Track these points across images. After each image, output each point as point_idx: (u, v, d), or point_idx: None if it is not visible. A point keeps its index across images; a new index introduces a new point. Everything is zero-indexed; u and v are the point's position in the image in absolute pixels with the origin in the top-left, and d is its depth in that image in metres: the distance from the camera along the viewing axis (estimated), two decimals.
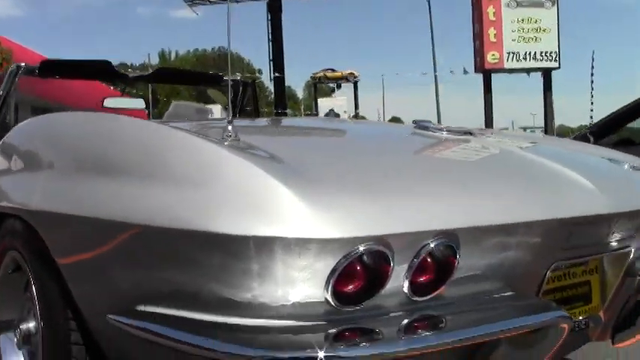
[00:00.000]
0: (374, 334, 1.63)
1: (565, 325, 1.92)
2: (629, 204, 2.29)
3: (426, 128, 2.73)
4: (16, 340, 2.54)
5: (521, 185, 2.13)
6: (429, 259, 1.74)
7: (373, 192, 1.74)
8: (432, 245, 1.71)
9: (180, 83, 6.43)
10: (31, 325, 2.44)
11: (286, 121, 3.42)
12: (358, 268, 1.63)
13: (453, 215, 1.78)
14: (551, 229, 2.02)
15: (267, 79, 28.83)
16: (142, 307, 1.79)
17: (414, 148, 2.52)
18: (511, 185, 2.11)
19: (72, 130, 2.39)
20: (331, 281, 1.60)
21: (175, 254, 1.70)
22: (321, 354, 1.50)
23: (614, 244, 2.35)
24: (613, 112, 5.91)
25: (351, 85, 36.79)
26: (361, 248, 1.60)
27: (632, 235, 2.40)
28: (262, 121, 3.70)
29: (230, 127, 1.90)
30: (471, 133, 2.68)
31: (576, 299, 2.33)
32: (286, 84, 24.52)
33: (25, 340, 2.46)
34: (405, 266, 1.70)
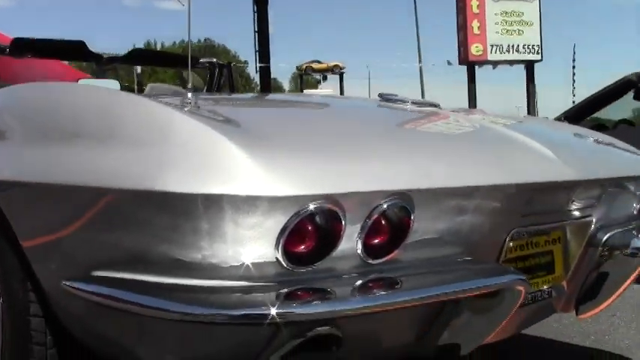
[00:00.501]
0: (327, 293, 1.63)
1: (521, 288, 1.92)
2: (589, 173, 2.29)
3: (391, 101, 2.73)
4: None
5: (480, 150, 2.13)
6: (382, 221, 1.73)
7: (325, 152, 1.73)
8: (384, 206, 1.70)
9: (155, 65, 6.41)
10: None
11: (255, 96, 3.40)
12: (309, 227, 1.62)
13: (406, 177, 1.77)
14: (509, 195, 2.02)
15: (253, 71, 28.79)
16: (96, 272, 1.77)
17: (374, 116, 2.52)
18: (469, 150, 2.11)
19: (25, 100, 2.36)
20: (282, 240, 1.59)
21: (127, 216, 1.69)
22: (273, 311, 1.51)
23: (574, 212, 2.36)
24: (587, 98, 5.98)
25: (337, 76, 36.82)
26: (311, 207, 1.59)
27: (592, 204, 2.40)
28: (230, 96, 3.69)
29: (190, 95, 1.89)
30: (436, 106, 2.68)
31: (539, 269, 2.34)
32: (272, 76, 24.44)
33: None
34: (358, 227, 1.69)
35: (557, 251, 2.41)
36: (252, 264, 1.61)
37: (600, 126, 5.99)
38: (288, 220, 1.58)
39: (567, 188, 2.22)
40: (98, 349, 2.00)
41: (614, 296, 2.62)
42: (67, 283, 1.83)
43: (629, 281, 2.59)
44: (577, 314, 2.62)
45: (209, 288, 1.60)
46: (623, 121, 6.17)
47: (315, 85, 38.46)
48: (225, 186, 1.54)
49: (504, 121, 2.77)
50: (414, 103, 2.67)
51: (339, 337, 1.73)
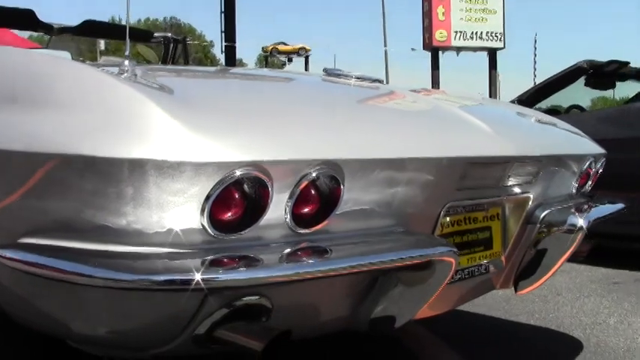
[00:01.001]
0: (253, 261, 1.62)
1: (452, 260, 1.93)
2: (525, 149, 2.31)
3: (335, 75, 2.73)
4: None
5: (415, 124, 2.14)
6: (312, 190, 1.72)
7: (255, 119, 1.72)
8: (313, 175, 1.69)
9: (109, 37, 6.30)
10: None
11: (201, 69, 3.35)
12: (235, 194, 1.60)
13: (336, 147, 1.76)
14: (442, 168, 2.02)
15: (219, 52, 28.61)
16: (23, 240, 1.74)
17: (313, 89, 2.51)
18: (403, 123, 2.11)
19: None
20: (207, 207, 1.57)
21: (53, 181, 1.66)
22: (197, 277, 1.49)
23: (512, 189, 2.38)
24: (540, 83, 6.06)
25: (303, 59, 36.69)
26: (237, 173, 1.57)
27: (530, 181, 2.42)
28: (176, 67, 3.65)
29: (127, 62, 1.87)
30: (380, 82, 2.68)
31: (477, 244, 2.36)
32: (238, 56, 24.29)
33: None
34: (286, 195, 1.68)
35: (496, 227, 2.43)
36: (178, 231, 1.59)
37: (553, 111, 6.08)
38: (213, 187, 1.56)
39: (503, 164, 2.23)
40: (25, 320, 1.97)
41: (551, 272, 2.65)
42: None
43: (565, 257, 2.63)
44: (516, 291, 2.65)
45: (134, 254, 1.58)
46: (574, 106, 6.26)
47: (281, 67, 38.32)
48: (150, 151, 1.52)
49: (452, 99, 2.78)
50: (357, 78, 2.66)
51: (269, 308, 1.73)
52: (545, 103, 6.31)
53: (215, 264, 1.57)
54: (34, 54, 2.10)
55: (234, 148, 1.58)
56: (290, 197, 1.69)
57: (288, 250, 1.69)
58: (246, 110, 1.79)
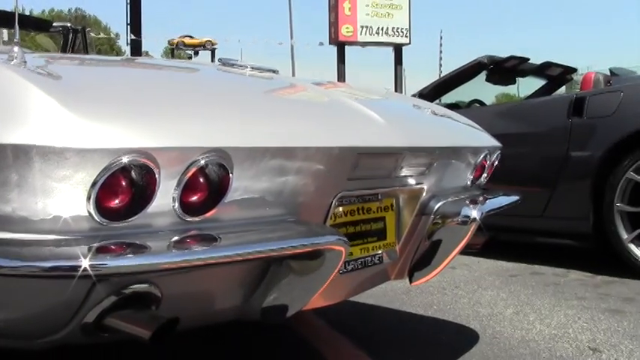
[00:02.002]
0: (141, 248, 1.60)
1: (342, 249, 1.94)
2: (417, 141, 2.34)
3: (230, 65, 2.71)
4: None
5: (306, 114, 2.14)
6: (200, 178, 1.71)
7: (142, 107, 1.70)
8: (201, 162, 1.68)
9: (5, 26, 6.16)
10: None
11: (96, 58, 3.28)
12: (122, 181, 1.58)
13: (224, 135, 1.75)
14: (333, 158, 2.03)
15: (125, 44, 28.25)
16: None
17: (205, 78, 2.49)
18: (294, 112, 2.11)
19: None
20: (93, 194, 1.55)
21: None
22: (85, 263, 1.47)
23: (405, 179, 2.41)
24: (441, 77, 6.16)
25: (209, 52, 36.51)
26: (124, 160, 1.55)
27: (423, 172, 2.45)
28: (71, 56, 3.58)
29: (16, 49, 1.82)
30: (274, 72, 2.67)
31: (370, 234, 2.39)
32: (144, 49, 24.02)
33: None
34: (174, 183, 1.67)
35: (390, 218, 2.45)
36: (64, 217, 1.56)
37: (454, 105, 6.18)
38: (99, 174, 1.54)
39: (395, 154, 2.25)
40: None
41: (445, 263, 2.70)
42: None
43: (459, 248, 2.68)
44: (410, 282, 2.68)
45: (20, 241, 1.55)
46: (475, 101, 6.38)
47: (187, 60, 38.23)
48: (34, 136, 1.49)
49: (353, 92, 2.79)
50: (253, 68, 2.65)
51: (158, 297, 1.72)
52: (450, 98, 6.41)
53: (103, 250, 1.55)
54: None
55: (121, 135, 1.55)
56: (178, 185, 1.68)
57: (176, 238, 1.67)
58: (135, 98, 1.77)
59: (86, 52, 5.31)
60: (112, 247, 1.57)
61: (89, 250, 1.52)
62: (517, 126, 5.32)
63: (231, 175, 1.75)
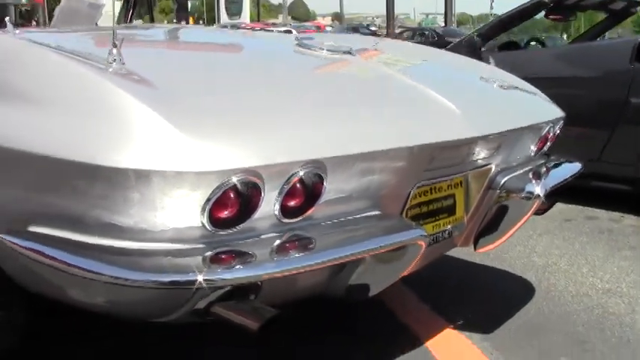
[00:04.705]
0: (248, 257, 1.80)
1: (422, 243, 2.12)
2: (490, 127, 2.47)
3: (307, 47, 2.86)
4: None
5: (387, 112, 2.27)
6: (298, 185, 1.90)
7: (245, 124, 1.87)
8: (300, 173, 1.87)
9: None
10: None
11: (170, 33, 3.39)
12: (232, 196, 1.77)
13: (321, 145, 1.93)
14: (414, 154, 2.19)
15: None
16: (33, 228, 1.90)
17: (289, 72, 2.61)
18: (377, 112, 2.25)
19: None
20: (206, 209, 1.75)
21: (59, 181, 1.82)
22: (199, 277, 1.67)
23: (475, 162, 2.55)
24: (500, 16, 6.15)
25: None
26: (234, 179, 1.74)
27: (492, 153, 2.60)
28: (148, 34, 3.67)
29: (115, 51, 1.99)
30: (350, 53, 2.81)
31: (441, 211, 2.54)
32: None
33: None
34: (276, 192, 1.86)
35: (459, 194, 2.61)
36: (179, 229, 1.77)
37: (512, 44, 6.20)
38: (212, 192, 1.74)
39: (470, 143, 2.40)
40: (31, 287, 2.14)
41: (509, 233, 2.85)
42: (4, 236, 1.96)
43: (524, 220, 2.82)
44: (475, 249, 2.85)
45: (139, 251, 1.76)
46: (534, 39, 6.37)
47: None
48: (154, 161, 1.68)
49: (415, 67, 2.91)
50: (329, 50, 2.80)
51: (259, 286, 1.91)
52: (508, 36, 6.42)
53: (214, 261, 1.76)
54: (27, 46, 2.20)
55: (231, 156, 1.74)
56: (279, 194, 1.87)
57: (277, 243, 1.88)
58: (235, 110, 1.94)
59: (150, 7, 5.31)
60: (222, 256, 1.78)
61: (203, 260, 1.74)
62: (577, 69, 5.34)
63: (325, 181, 1.93)
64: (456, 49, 6.00)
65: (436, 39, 23.67)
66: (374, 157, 2.07)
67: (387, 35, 27.95)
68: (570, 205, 5.21)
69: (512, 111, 2.81)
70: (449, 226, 2.60)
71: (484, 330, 3.03)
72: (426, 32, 24.37)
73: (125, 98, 1.80)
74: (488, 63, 5.58)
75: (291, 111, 2.06)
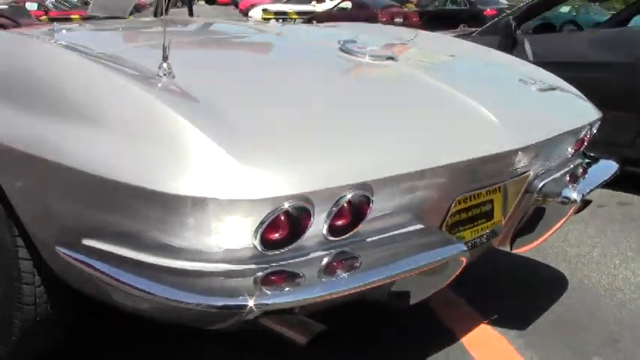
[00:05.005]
0: (296, 278, 1.87)
1: (464, 259, 2.19)
2: (531, 138, 2.52)
3: (349, 52, 2.90)
4: None
5: (431, 129, 2.33)
6: (345, 206, 1.96)
7: (296, 150, 1.94)
8: (348, 196, 1.94)
9: None
10: None
11: (209, 32, 3.39)
12: (283, 219, 1.84)
13: (366, 168, 1.99)
14: (456, 170, 2.25)
15: None
16: (86, 242, 1.98)
17: (334, 87, 2.61)
18: (421, 130, 2.31)
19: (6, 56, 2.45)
20: (259, 232, 1.82)
21: (114, 200, 1.89)
22: (250, 302, 1.74)
23: (515, 171, 2.60)
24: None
25: None
26: (286, 205, 1.81)
27: (532, 160, 2.64)
28: (188, 32, 3.66)
29: (165, 65, 2.07)
30: (392, 58, 2.85)
31: (480, 217, 2.60)
32: None
33: None
34: (325, 214, 1.93)
35: (497, 200, 2.66)
36: (231, 250, 1.85)
37: (548, 26, 6.19)
38: (264, 217, 1.81)
39: (510, 155, 2.45)
40: (82, 290, 2.22)
41: (546, 235, 2.91)
42: (60, 249, 2.05)
43: (560, 223, 2.88)
44: (511, 249, 2.90)
45: (191, 272, 1.84)
46: (570, 21, 6.35)
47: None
48: (210, 190, 1.75)
49: (455, 70, 2.93)
50: (371, 56, 2.84)
51: None
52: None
53: (264, 283, 1.83)
54: (80, 60, 2.22)
55: (283, 183, 1.81)
56: (328, 215, 1.95)
57: (324, 263, 1.96)
58: (287, 136, 2.00)
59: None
60: (272, 277, 1.86)
61: (254, 282, 1.82)
62: (612, 53, 5.34)
63: (371, 201, 2.00)
64: (492, 30, 6.02)
65: (468, 7, 23.48)
66: (419, 176, 2.14)
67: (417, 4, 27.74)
68: (603, 190, 5.17)
69: (552, 117, 2.85)
70: (487, 231, 2.65)
71: (518, 326, 3.09)
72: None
73: (181, 125, 1.85)
74: (524, 47, 5.60)
75: (339, 133, 2.11)
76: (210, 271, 1.84)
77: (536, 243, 2.91)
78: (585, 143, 3.10)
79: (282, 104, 2.23)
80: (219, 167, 1.77)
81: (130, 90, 2.01)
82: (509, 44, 5.68)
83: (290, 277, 1.87)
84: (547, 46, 5.58)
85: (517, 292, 3.52)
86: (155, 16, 5.22)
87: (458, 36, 6.59)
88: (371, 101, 2.44)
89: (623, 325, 3.14)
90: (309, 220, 1.89)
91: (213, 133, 1.84)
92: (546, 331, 3.08)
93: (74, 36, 2.81)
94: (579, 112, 3.05)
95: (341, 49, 2.94)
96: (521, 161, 2.56)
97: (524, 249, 2.93)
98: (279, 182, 1.81)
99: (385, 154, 2.09)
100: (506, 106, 2.65)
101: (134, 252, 1.90)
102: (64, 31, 2.85)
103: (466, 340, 2.97)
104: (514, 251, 2.93)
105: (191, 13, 5.29)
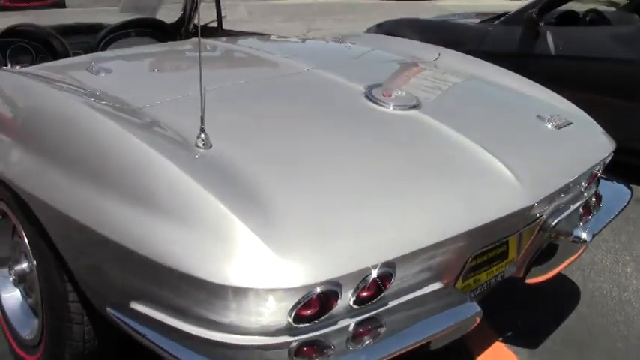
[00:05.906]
0: (326, 350, 2.09)
1: (478, 318, 2.38)
2: (549, 188, 2.70)
3: (374, 100, 2.99)
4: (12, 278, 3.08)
5: (451, 194, 2.48)
6: (370, 282, 2.16)
7: (326, 238, 2.11)
8: (373, 274, 2.13)
9: None
10: (25, 265, 2.95)
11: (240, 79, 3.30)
12: (314, 299, 2.05)
13: (390, 247, 2.18)
14: (475, 231, 2.42)
15: None
16: (134, 305, 2.20)
17: (358, 149, 2.66)
18: (441, 195, 2.46)
19: (57, 119, 2.62)
20: (293, 311, 2.04)
21: (161, 277, 2.08)
22: None
23: (529, 219, 2.74)
24: None
25: None
26: (317, 290, 2.02)
27: (547, 205, 2.78)
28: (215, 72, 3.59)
29: (203, 136, 2.31)
30: (416, 107, 2.97)
31: (495, 259, 2.75)
32: None
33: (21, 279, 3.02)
34: (352, 290, 2.14)
35: (512, 241, 2.78)
36: (268, 326, 2.07)
37: (570, 15, 6.24)
38: (298, 300, 2.02)
39: (528, 210, 2.61)
40: None
41: (558, 269, 3.06)
42: (110, 310, 2.29)
43: (572, 258, 3.05)
44: (524, 280, 3.05)
45: (231, 345, 2.06)
46: (592, 10, 6.36)
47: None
48: (250, 280, 1.96)
49: (474, 122, 3.00)
50: (396, 105, 2.95)
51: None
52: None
53: (297, 354, 2.06)
54: (124, 136, 2.34)
55: (315, 271, 2.01)
56: (354, 291, 2.15)
57: (351, 331, 2.17)
58: (317, 220, 2.17)
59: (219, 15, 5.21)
60: (305, 348, 2.08)
61: (288, 354, 2.05)
62: (633, 49, 5.39)
63: (394, 275, 2.19)
64: (514, 21, 6.08)
65: None
66: (440, 245, 2.32)
67: None
68: None
69: (569, 161, 2.98)
70: (501, 270, 2.81)
71: (530, 343, 3.29)
72: None
73: (223, 214, 2.04)
74: (546, 40, 5.68)
75: (364, 212, 2.26)
76: (248, 344, 2.06)
77: (548, 275, 3.04)
78: (599, 175, 3.22)
79: (311, 178, 2.39)
80: (258, 258, 1.97)
81: (170, 172, 2.18)
82: (532, 36, 5.76)
83: (320, 348, 2.09)
84: (570, 39, 5.64)
85: (530, 301, 3.67)
86: (183, 25, 5.38)
87: (481, 22, 6.64)
88: (393, 166, 2.56)
89: (629, 345, 3.33)
90: (338, 297, 2.09)
91: (252, 222, 2.04)
92: (557, 348, 3.28)
93: (111, 87, 2.95)
94: (595, 148, 3.18)
95: (366, 96, 3.03)
96: (538, 209, 2.71)
97: (537, 280, 3.05)
98: (312, 270, 2.01)
99: (408, 231, 2.27)
100: (523, 158, 2.78)
101: (177, 321, 2.11)
102: (102, 72, 3.05)
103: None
104: (528, 282, 3.04)
105: (221, 29, 5.25)
